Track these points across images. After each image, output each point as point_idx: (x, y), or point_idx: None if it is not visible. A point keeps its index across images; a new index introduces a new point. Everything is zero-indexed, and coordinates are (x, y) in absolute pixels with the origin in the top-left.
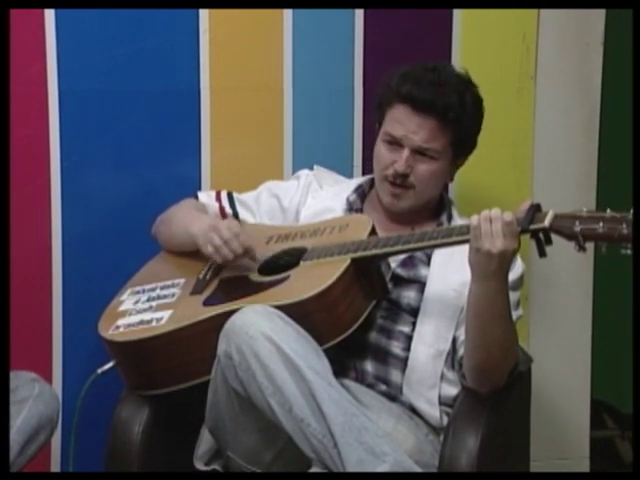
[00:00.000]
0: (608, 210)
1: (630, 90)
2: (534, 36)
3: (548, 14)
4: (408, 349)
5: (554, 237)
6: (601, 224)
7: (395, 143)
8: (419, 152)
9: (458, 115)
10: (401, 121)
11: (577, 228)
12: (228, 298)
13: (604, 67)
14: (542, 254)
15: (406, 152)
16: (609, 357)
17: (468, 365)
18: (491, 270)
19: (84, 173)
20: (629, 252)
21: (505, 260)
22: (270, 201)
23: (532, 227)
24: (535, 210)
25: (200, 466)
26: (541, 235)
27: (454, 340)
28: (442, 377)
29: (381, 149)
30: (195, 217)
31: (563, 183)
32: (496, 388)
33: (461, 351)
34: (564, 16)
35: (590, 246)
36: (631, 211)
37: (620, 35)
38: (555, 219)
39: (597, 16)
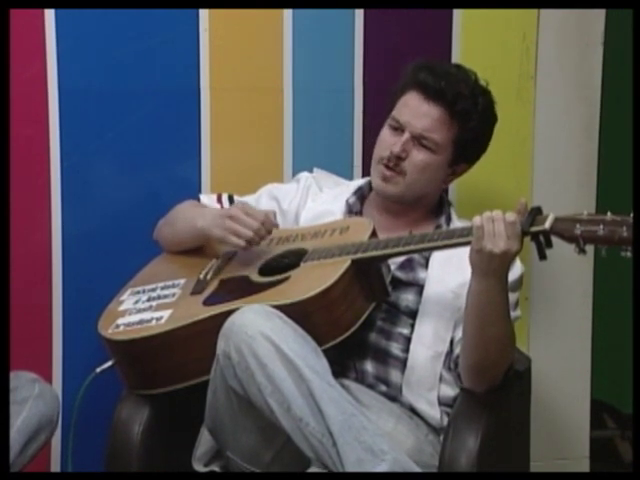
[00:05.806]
0: (609, 213)
1: (630, 90)
2: (534, 36)
3: (548, 14)
4: (407, 350)
5: (554, 239)
6: (601, 227)
7: (399, 128)
8: (418, 140)
9: (467, 109)
10: (410, 106)
11: (577, 231)
12: (228, 298)
13: (604, 67)
14: (542, 257)
15: (406, 135)
16: (609, 357)
17: (465, 364)
18: (492, 269)
19: (84, 173)
20: (629, 254)
21: (506, 260)
22: (270, 204)
23: (533, 229)
24: (536, 213)
25: (199, 467)
26: (541, 238)
27: (451, 341)
28: (441, 378)
29: (385, 133)
30: (198, 212)
31: (563, 183)
32: (492, 388)
33: (457, 350)
34: (564, 16)
35: (590, 247)
36: (631, 214)
37: (620, 35)
38: (556, 222)
39: (597, 16)
